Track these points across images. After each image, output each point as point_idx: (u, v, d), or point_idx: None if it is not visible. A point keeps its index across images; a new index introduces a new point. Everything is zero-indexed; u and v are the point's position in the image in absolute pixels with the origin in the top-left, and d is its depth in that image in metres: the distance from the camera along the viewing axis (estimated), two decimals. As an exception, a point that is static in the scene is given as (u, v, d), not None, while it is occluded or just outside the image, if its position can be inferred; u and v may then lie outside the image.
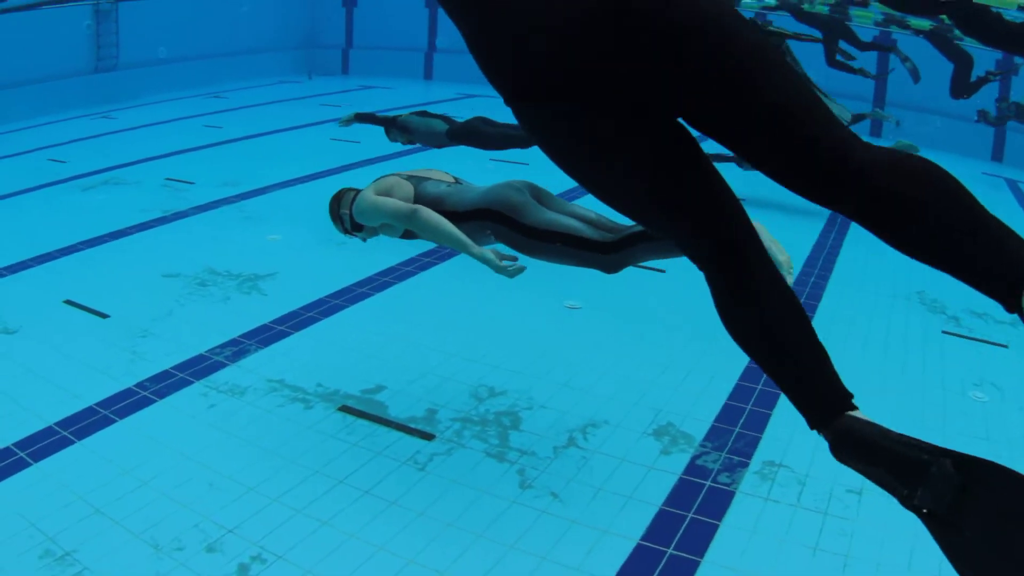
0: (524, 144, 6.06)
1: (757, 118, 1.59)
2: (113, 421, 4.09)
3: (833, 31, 11.27)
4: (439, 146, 6.45)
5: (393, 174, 3.85)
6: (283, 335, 5.18)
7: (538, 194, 3.55)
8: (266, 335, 5.17)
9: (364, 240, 4.02)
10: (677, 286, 5.40)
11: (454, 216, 3.55)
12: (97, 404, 4.25)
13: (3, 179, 9.27)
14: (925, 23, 11.29)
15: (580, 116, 1.66)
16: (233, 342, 5.04)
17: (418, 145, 6.63)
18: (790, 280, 2.83)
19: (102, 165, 9.78)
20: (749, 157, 1.67)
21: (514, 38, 1.65)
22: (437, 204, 3.62)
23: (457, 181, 3.82)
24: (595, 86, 1.61)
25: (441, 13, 17.42)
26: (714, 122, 1.66)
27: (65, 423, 4.04)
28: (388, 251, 4.26)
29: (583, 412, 4.09)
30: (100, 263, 6.52)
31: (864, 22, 12.73)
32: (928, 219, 1.52)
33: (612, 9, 1.55)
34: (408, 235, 3.76)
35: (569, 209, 3.49)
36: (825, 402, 1.62)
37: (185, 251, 6.58)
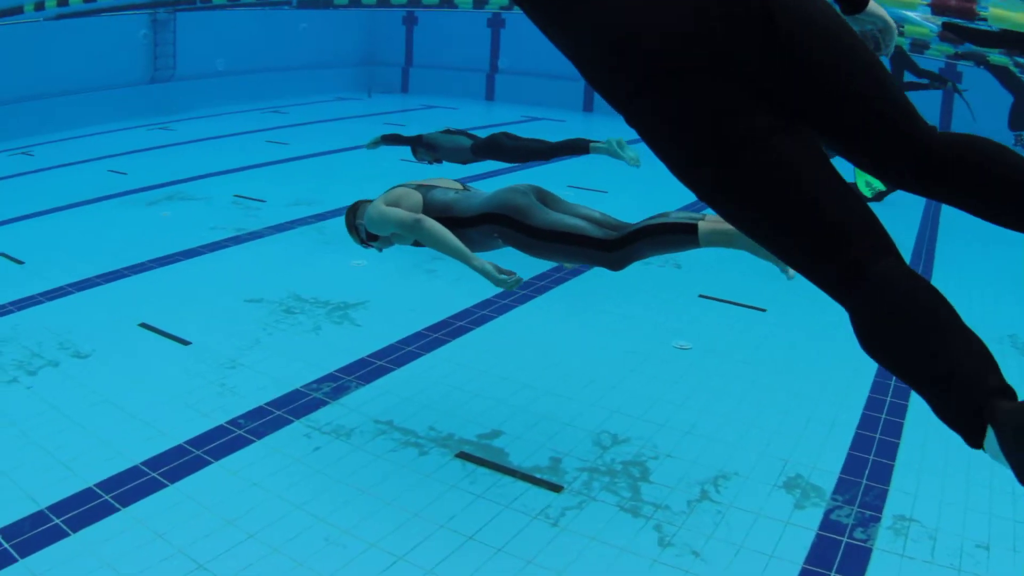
0: (546, 157, 6.54)
1: (868, 110, 1.66)
2: (208, 462, 3.68)
3: (898, 61, 11.26)
4: (464, 162, 6.81)
5: (403, 184, 3.90)
6: (384, 371, 4.66)
7: (543, 196, 3.59)
8: (366, 370, 4.65)
9: (380, 250, 4.09)
10: (779, 326, 5.39)
11: (462, 222, 3.60)
12: (187, 442, 3.84)
13: (63, 189, 8.91)
14: (1004, 59, 10.94)
15: (708, 108, 1.62)
16: (331, 376, 4.58)
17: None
18: (791, 273, 2.90)
19: (165, 178, 9.37)
20: (850, 149, 1.74)
21: (632, 32, 1.62)
22: (445, 211, 3.66)
23: (465, 188, 3.85)
24: (717, 77, 1.61)
25: (504, 34, 17.14)
26: (818, 113, 1.68)
27: (154, 463, 3.64)
28: (482, 282, 3.89)
29: (711, 462, 3.81)
30: (174, 283, 6.08)
31: (935, 55, 12.36)
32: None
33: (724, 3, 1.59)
34: (419, 243, 3.78)
35: (574, 210, 3.53)
36: (988, 389, 1.43)
37: (265, 274, 6.19)
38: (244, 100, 15.26)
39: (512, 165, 7.26)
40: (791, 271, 2.92)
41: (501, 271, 3.48)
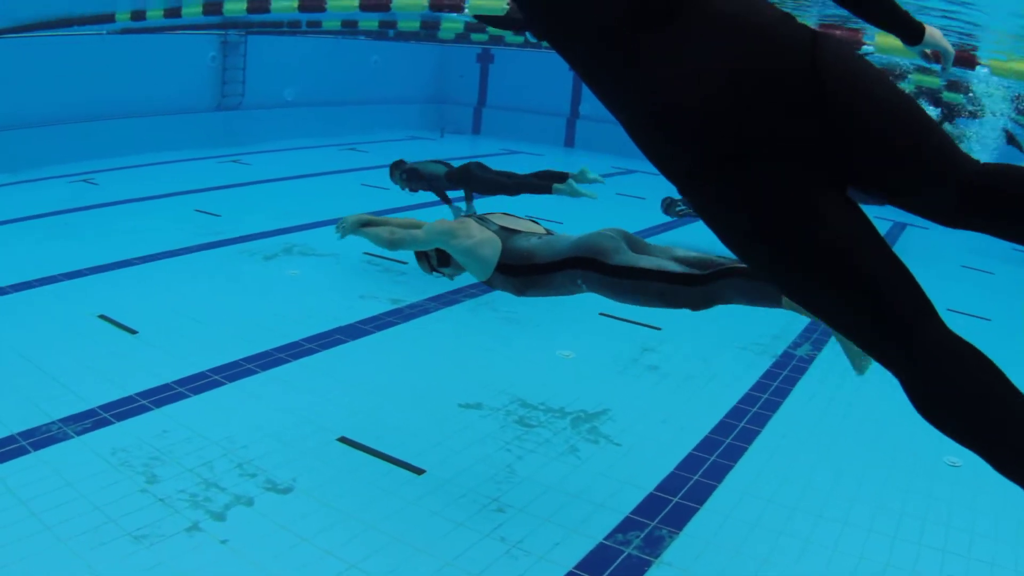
0: (512, 192, 6.95)
1: (915, 161, 1.69)
2: None
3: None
4: (439, 190, 7.18)
5: (474, 219, 3.80)
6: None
7: (632, 242, 3.42)
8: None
9: (451, 279, 4.18)
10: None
11: (546, 268, 3.47)
12: None
13: (149, 230, 7.62)
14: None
15: (767, 186, 1.66)
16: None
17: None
18: (865, 367, 2.89)
19: (270, 225, 8.06)
20: (896, 198, 1.77)
21: (686, 113, 1.65)
22: (527, 258, 3.53)
23: (549, 233, 3.72)
24: (780, 153, 1.65)
25: (586, 78, 15.99)
26: (872, 176, 1.72)
27: None
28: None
29: None
30: (357, 377, 4.83)
31: None
32: None
33: (796, 78, 1.63)
34: (491, 283, 3.73)
35: (665, 252, 3.36)
36: None
37: (460, 355, 5.19)
38: (313, 135, 14.01)
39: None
40: (865, 365, 2.87)
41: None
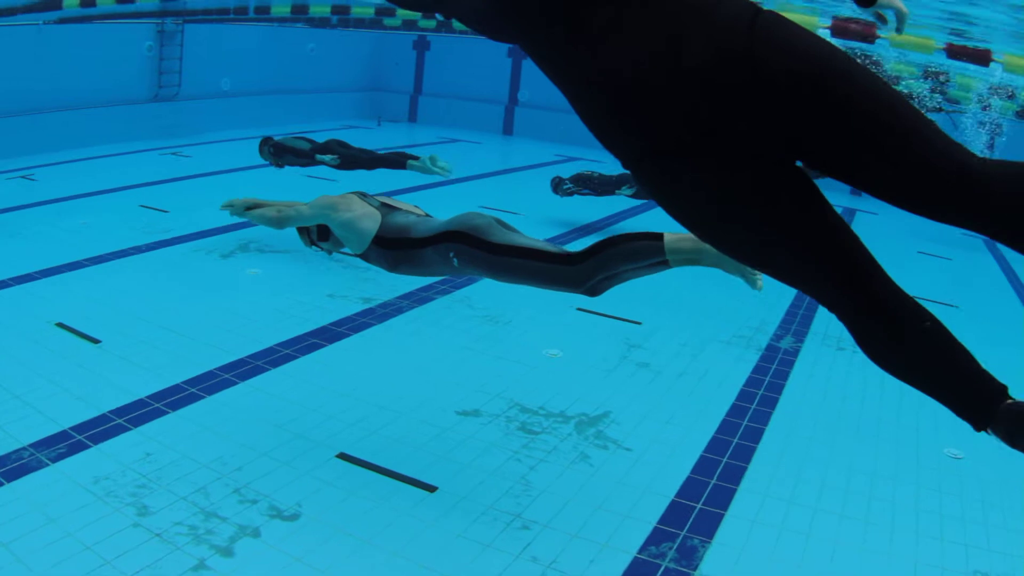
0: (369, 167, 7.48)
1: (886, 150, 1.64)
2: None
3: None
4: (304, 164, 7.66)
5: (358, 195, 3.89)
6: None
7: (504, 224, 3.46)
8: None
9: (329, 253, 4.29)
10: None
11: (420, 242, 3.52)
12: None
13: (100, 229, 7.30)
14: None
15: (713, 169, 1.67)
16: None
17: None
18: (759, 285, 2.88)
19: (221, 221, 7.67)
20: (875, 188, 1.72)
21: (638, 97, 1.64)
22: (404, 232, 3.60)
23: (427, 216, 3.78)
24: (723, 137, 1.64)
25: (526, 65, 15.78)
26: (839, 160, 1.69)
27: None
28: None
29: None
30: (364, 385, 4.54)
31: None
32: None
33: (730, 61, 1.60)
34: (367, 257, 3.83)
35: (533, 239, 3.37)
36: (987, 396, 1.79)
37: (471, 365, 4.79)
38: (252, 125, 13.51)
39: None
40: (759, 285, 2.88)
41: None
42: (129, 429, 3.88)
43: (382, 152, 7.61)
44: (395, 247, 3.64)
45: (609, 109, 1.70)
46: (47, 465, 3.52)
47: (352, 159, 7.47)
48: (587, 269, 3.10)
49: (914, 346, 1.78)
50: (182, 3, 12.62)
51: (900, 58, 11.28)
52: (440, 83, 16.94)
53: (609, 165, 9.02)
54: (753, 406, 4.62)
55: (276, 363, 4.73)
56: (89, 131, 11.47)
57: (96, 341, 4.87)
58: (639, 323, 5.79)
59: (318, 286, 6.15)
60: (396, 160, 7.28)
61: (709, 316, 6.07)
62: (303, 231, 4.15)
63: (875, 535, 3.46)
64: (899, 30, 2.09)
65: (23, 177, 9.41)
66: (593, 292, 3.21)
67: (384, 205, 3.84)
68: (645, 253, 2.98)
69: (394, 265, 3.70)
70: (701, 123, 1.63)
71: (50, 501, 3.25)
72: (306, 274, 6.46)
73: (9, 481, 3.38)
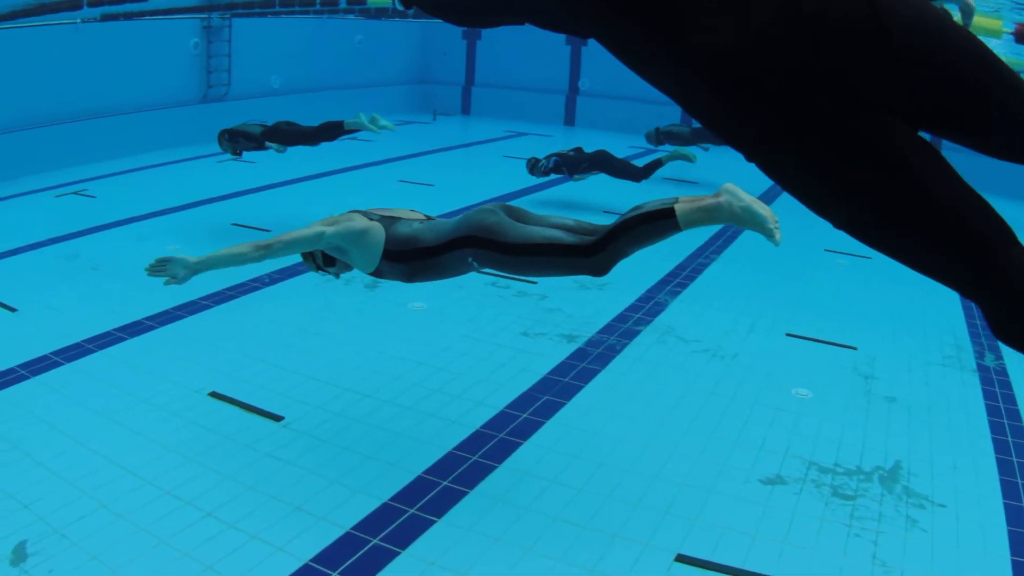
0: (312, 140, 7.61)
1: (984, 101, 1.60)
2: None
3: None
4: (257, 148, 7.64)
5: (362, 212, 3.69)
6: None
7: (512, 212, 3.42)
8: None
9: (336, 276, 3.98)
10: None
11: (432, 251, 3.43)
12: None
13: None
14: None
15: (841, 140, 1.58)
16: None
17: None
18: (777, 237, 2.81)
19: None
20: (974, 140, 1.69)
21: (759, 53, 1.55)
22: (412, 242, 3.49)
23: (429, 219, 3.69)
24: (848, 93, 1.56)
25: (586, 52, 14.91)
26: (938, 116, 1.63)
27: None
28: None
29: None
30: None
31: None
32: None
33: (854, 10, 1.54)
34: (379, 273, 3.66)
35: (547, 220, 3.39)
36: None
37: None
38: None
39: None
40: (777, 237, 2.80)
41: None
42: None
43: (317, 125, 7.62)
44: (408, 259, 3.53)
45: (727, 78, 1.58)
46: None
47: (297, 135, 7.57)
48: (604, 259, 3.10)
49: None
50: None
51: None
52: (494, 73, 16.05)
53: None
54: (1011, 439, 4.26)
55: (515, 433, 4.11)
56: (137, 138, 10.73)
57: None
58: (855, 348, 5.32)
59: (497, 321, 5.48)
60: (334, 125, 7.44)
61: (904, 331, 5.71)
62: (307, 257, 3.87)
63: None
64: (966, 24, 2.03)
65: (76, 193, 8.66)
66: (603, 274, 3.20)
67: (384, 218, 3.67)
68: (660, 231, 2.97)
69: (411, 276, 3.59)
70: (824, 75, 1.54)
71: None
72: (468, 305, 5.78)
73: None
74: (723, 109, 1.65)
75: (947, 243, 1.65)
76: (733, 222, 2.86)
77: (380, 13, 13.85)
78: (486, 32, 15.68)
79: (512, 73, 15.74)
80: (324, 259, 3.84)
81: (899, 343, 5.48)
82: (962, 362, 5.23)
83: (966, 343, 5.54)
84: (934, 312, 5.98)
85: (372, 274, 3.68)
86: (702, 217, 2.89)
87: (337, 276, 3.94)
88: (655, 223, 2.95)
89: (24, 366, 4.61)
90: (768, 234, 2.82)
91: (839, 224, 1.72)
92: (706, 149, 10.10)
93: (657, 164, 9.09)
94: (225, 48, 11.94)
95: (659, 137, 10.42)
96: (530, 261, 3.25)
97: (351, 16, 14.01)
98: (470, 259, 3.38)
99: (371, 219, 3.66)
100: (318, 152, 8.36)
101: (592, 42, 14.88)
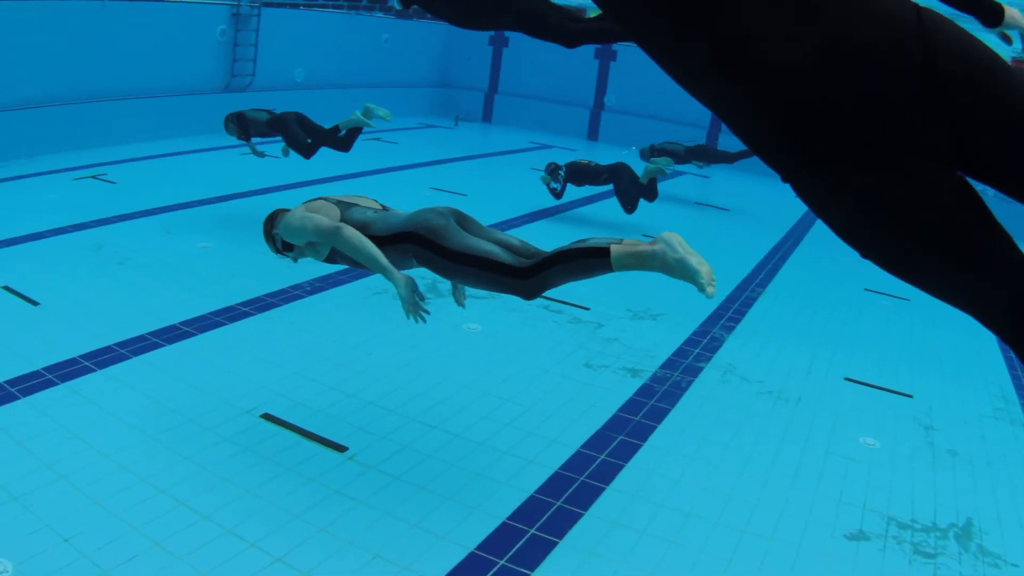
0: (316, 143, 7.32)
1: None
2: None
3: None
4: (262, 135, 7.46)
5: (321, 197, 3.71)
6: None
7: (462, 220, 3.47)
8: None
9: (295, 260, 3.81)
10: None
11: (378, 240, 3.44)
12: None
13: (230, 259, 6.07)
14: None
15: (884, 171, 1.56)
16: None
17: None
18: (709, 292, 2.76)
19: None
20: (1007, 185, 1.62)
21: (808, 83, 1.54)
22: (363, 229, 3.50)
23: (384, 208, 3.71)
24: (893, 132, 1.55)
25: (614, 67, 14.58)
26: (986, 161, 1.59)
27: None
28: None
29: None
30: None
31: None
32: None
33: (903, 46, 1.53)
34: (332, 259, 3.64)
35: (492, 236, 3.42)
36: None
37: None
38: (322, 120, 12.31)
39: None
40: (709, 291, 2.77)
41: (415, 293, 3.36)
42: None
43: (329, 128, 7.37)
44: None
45: (776, 103, 1.56)
46: None
47: (308, 131, 7.33)
48: (535, 284, 3.14)
49: None
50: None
51: None
52: (519, 82, 15.67)
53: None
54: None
55: (595, 476, 3.79)
56: (156, 123, 10.36)
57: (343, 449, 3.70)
58: (911, 396, 5.12)
59: (558, 350, 5.14)
60: (334, 130, 7.26)
61: (952, 380, 5.52)
62: (270, 238, 3.80)
63: None
64: None
65: (94, 177, 8.22)
66: (531, 298, 3.24)
67: (341, 202, 3.68)
68: (592, 268, 3.02)
69: (356, 263, 3.58)
70: (872, 113, 1.51)
71: None
72: (523, 329, 5.43)
73: None
74: (771, 130, 1.61)
75: (978, 281, 1.63)
76: (665, 271, 2.88)
77: (401, 14, 13.47)
78: (513, 39, 15.34)
79: (537, 83, 15.37)
80: (283, 243, 3.77)
81: (950, 392, 5.29)
82: (1011, 415, 5.07)
83: (1012, 395, 5.37)
84: (978, 360, 5.84)
85: (325, 261, 3.69)
86: (634, 263, 2.93)
87: (295, 260, 3.86)
88: (590, 260, 3.01)
89: (50, 369, 4.20)
90: (700, 287, 2.81)
91: (866, 254, 1.68)
92: (700, 167, 10.42)
93: (652, 184, 8.67)
94: (252, 38, 11.54)
95: (653, 153, 10.29)
96: (465, 271, 3.27)
97: (377, 13, 13.60)
98: (411, 255, 3.42)
99: (329, 202, 3.67)
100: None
101: (621, 57, 14.65)
